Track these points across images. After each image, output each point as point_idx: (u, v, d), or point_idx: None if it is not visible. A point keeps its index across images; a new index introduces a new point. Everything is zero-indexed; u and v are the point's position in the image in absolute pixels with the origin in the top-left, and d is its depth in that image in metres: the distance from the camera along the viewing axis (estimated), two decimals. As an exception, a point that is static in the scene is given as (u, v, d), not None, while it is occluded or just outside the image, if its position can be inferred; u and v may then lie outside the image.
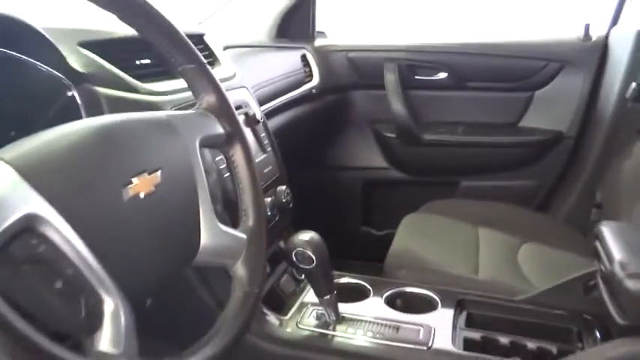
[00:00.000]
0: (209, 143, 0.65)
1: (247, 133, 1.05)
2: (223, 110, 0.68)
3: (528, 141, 1.68)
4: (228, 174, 0.85)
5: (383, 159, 1.86)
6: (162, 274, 0.55)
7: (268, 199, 1.03)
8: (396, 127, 1.75)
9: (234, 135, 0.68)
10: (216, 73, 1.10)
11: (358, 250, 1.91)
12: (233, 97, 1.08)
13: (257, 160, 1.05)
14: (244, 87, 1.11)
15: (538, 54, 1.63)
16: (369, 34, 1.85)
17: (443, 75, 1.70)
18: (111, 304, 0.43)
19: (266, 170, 1.07)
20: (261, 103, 1.23)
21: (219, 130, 0.67)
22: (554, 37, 1.65)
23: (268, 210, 1.02)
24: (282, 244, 1.13)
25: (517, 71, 1.66)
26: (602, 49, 1.57)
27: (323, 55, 1.74)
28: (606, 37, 1.58)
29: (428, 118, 1.76)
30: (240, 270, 0.63)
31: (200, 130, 0.64)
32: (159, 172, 0.54)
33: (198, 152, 0.62)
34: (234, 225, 0.66)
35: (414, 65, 1.73)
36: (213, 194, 0.64)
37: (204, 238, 0.60)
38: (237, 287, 0.62)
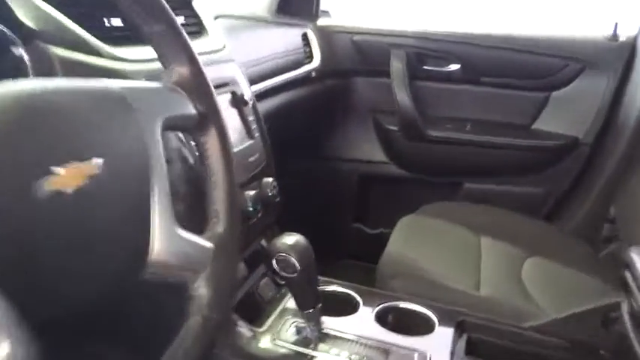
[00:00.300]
0: (175, 125, 0.53)
1: (233, 115, 0.92)
2: (197, 85, 0.55)
3: (541, 145, 1.56)
4: (195, 164, 0.72)
5: (382, 153, 1.73)
6: (91, 295, 0.42)
7: (251, 193, 0.90)
8: (399, 120, 1.62)
9: (208, 117, 0.55)
10: (202, 43, 0.97)
11: (348, 248, 1.81)
12: (219, 73, 0.95)
13: (242, 147, 0.92)
14: (234, 62, 0.98)
15: (559, 52, 1.50)
16: (376, 16, 1.71)
17: (454, 67, 1.57)
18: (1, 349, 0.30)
19: (251, 159, 0.94)
20: (253, 82, 1.10)
21: (190, 109, 0.54)
22: (578, 34, 1.51)
23: (250, 205, 0.89)
24: (264, 242, 1.01)
25: (535, 69, 1.53)
26: (630, 51, 1.44)
27: (326, 36, 1.60)
28: (636, 38, 1.45)
29: (434, 112, 1.63)
30: (201, 288, 0.50)
31: (164, 108, 0.51)
32: (97, 161, 0.41)
33: (158, 136, 0.49)
34: (200, 230, 0.54)
35: (423, 54, 1.59)
36: (176, 190, 0.52)
37: (158, 246, 0.47)
38: (195, 310, 0.49)
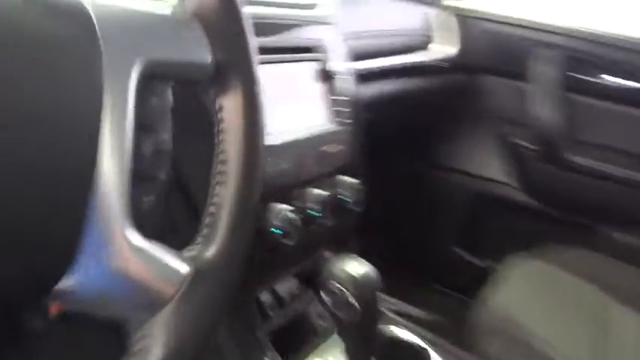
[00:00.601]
0: (170, 74, 0.33)
1: (313, 89, 0.72)
2: (222, 19, 0.35)
3: None
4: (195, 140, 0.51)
5: (504, 171, 1.43)
6: None
7: (318, 191, 0.69)
8: (534, 136, 1.32)
9: (230, 69, 0.36)
10: None
11: (441, 274, 1.56)
12: (303, 34, 0.76)
13: (317, 132, 0.71)
14: (332, 25, 0.78)
15: None
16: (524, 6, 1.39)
17: (625, 82, 1.22)
18: None
19: (328, 149, 0.73)
20: (357, 57, 0.90)
21: (203, 55, 0.35)
22: None
23: (317, 208, 0.69)
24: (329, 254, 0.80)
25: None
26: None
27: (455, 20, 1.34)
28: None
29: (581, 134, 1.29)
30: (154, 337, 0.31)
31: (153, 44, 0.32)
32: None
33: (129, 86, 0.30)
34: (178, 244, 0.34)
35: (579, 59, 1.27)
36: (151, 176, 0.33)
37: (91, 262, 0.28)
38: None
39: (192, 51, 0.34)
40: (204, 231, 0.34)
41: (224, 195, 0.35)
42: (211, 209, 0.35)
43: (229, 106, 0.36)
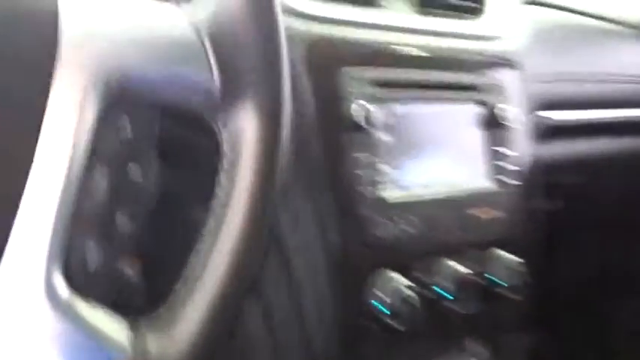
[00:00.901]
0: (148, 101, 0.25)
1: (467, 136, 0.57)
2: (239, 27, 0.26)
3: None
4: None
5: None
6: None
7: (454, 267, 0.54)
8: None
9: (242, 97, 0.26)
10: (463, 23, 0.64)
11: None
12: (474, 70, 0.61)
13: (470, 191, 0.56)
14: (511, 63, 0.62)
15: None
16: None
17: None
18: None
19: (481, 214, 0.57)
20: (563, 105, 0.73)
21: (199, 72, 0.26)
22: None
23: (450, 287, 0.54)
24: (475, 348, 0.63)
25: None
26: None
27: None
28: None
29: None
30: None
31: (126, 62, 0.24)
32: None
33: (86, 115, 0.23)
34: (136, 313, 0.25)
35: None
36: (102, 221, 0.25)
37: None
38: None
39: (185, 71, 0.25)
40: (170, 300, 0.25)
41: (201, 264, 0.25)
42: (192, 273, 0.25)
43: (238, 144, 0.26)
